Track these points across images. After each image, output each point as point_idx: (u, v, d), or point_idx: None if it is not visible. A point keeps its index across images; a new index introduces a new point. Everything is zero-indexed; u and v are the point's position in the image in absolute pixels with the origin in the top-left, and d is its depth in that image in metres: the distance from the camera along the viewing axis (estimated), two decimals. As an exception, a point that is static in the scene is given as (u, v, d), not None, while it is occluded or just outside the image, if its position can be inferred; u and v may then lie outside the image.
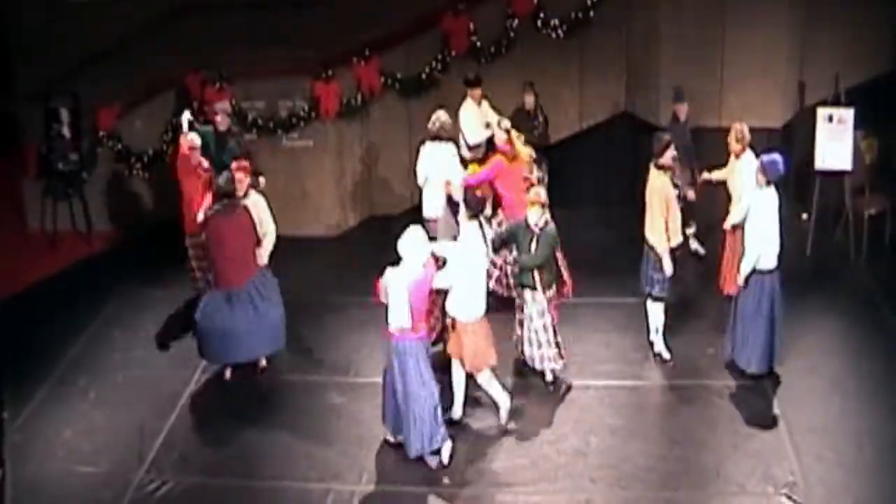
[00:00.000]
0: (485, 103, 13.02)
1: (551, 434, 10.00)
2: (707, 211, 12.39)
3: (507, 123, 11.63)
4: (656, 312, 10.93)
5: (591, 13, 14.21)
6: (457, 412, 10.10)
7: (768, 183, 10.16)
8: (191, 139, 11.53)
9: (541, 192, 10.24)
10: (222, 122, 12.28)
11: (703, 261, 12.59)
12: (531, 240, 10.16)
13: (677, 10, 14.11)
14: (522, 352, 10.57)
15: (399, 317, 9.23)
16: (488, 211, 11.28)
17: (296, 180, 13.84)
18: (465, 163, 12.34)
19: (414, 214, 12.26)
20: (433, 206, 11.95)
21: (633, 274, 10.95)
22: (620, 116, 14.74)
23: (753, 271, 10.25)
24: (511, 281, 11.36)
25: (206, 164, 11.52)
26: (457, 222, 10.78)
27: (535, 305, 10.27)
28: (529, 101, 13.01)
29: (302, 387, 10.84)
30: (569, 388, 10.58)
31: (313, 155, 13.86)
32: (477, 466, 9.62)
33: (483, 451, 9.78)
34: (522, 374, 10.73)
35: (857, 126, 12.50)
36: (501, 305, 11.01)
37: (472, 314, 9.77)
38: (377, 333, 10.33)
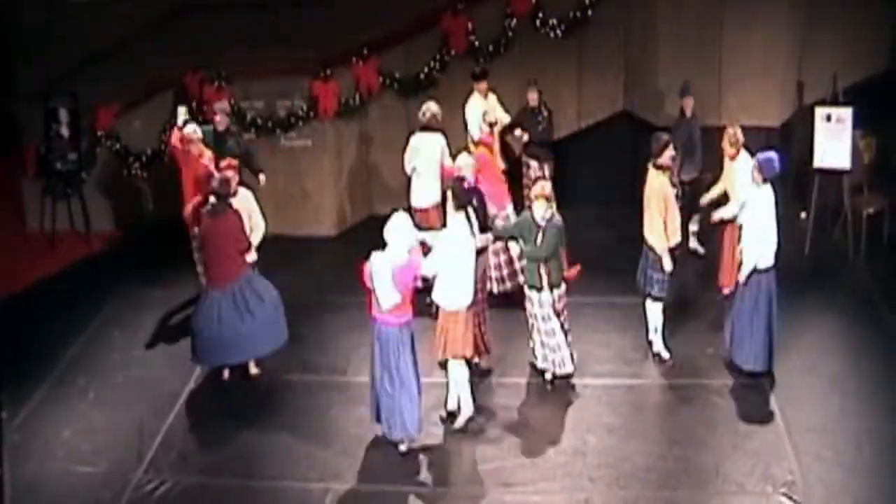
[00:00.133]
0: (492, 97, 13.08)
1: (550, 433, 10.00)
2: (707, 212, 12.39)
3: (491, 117, 11.99)
4: (655, 312, 10.93)
5: (590, 12, 14.21)
6: (451, 403, 10.13)
7: (764, 181, 10.18)
8: (190, 131, 11.56)
9: (546, 186, 10.23)
10: (221, 121, 12.30)
11: (703, 260, 12.61)
12: (537, 234, 10.14)
13: (676, 9, 14.08)
14: (533, 351, 10.57)
15: (384, 300, 9.28)
16: (493, 210, 11.35)
17: (295, 180, 13.85)
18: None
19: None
20: (422, 196, 12.11)
21: (633, 274, 10.94)
22: (620, 116, 14.74)
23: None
24: (505, 273, 11.50)
25: (208, 155, 11.55)
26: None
27: (542, 310, 10.24)
28: (533, 97, 13.07)
29: (302, 387, 10.84)
30: (568, 387, 10.58)
31: (312, 155, 13.88)
32: (476, 466, 9.61)
33: (482, 451, 9.78)
34: (522, 374, 10.73)
35: (855, 125, 12.51)
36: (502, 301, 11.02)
37: (457, 304, 9.79)
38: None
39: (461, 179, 10.40)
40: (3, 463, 7.82)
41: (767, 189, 10.18)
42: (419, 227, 10.41)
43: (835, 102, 12.73)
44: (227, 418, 10.40)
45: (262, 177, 12.35)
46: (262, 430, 10.20)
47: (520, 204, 12.53)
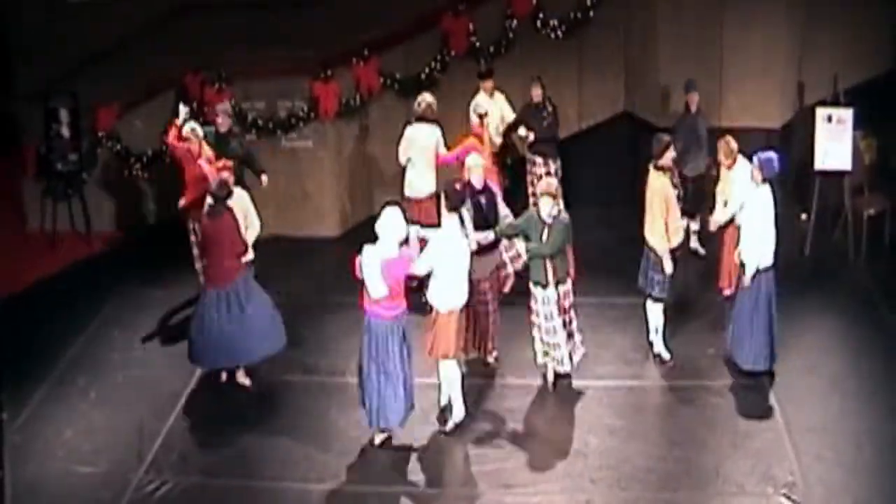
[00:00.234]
0: (499, 95, 13.08)
1: (551, 434, 10.00)
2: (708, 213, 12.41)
3: (481, 109, 12.10)
4: (656, 313, 10.93)
5: (591, 13, 14.22)
6: (444, 402, 10.13)
7: (764, 181, 10.18)
8: (187, 130, 11.57)
9: (552, 183, 10.22)
10: (223, 123, 12.28)
11: (703, 261, 12.60)
12: (542, 231, 10.12)
13: (676, 9, 14.11)
14: (533, 349, 10.56)
15: (374, 292, 9.30)
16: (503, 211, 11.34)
17: (296, 181, 13.84)
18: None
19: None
20: (415, 187, 12.20)
21: (633, 274, 10.94)
22: (620, 116, 14.74)
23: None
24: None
25: (207, 154, 11.56)
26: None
27: (545, 307, 10.23)
28: (537, 94, 13.02)
29: (301, 387, 10.84)
30: (568, 388, 10.58)
31: (313, 155, 13.86)
32: (477, 467, 9.61)
33: (482, 452, 9.78)
34: (523, 375, 10.73)
35: (856, 126, 12.52)
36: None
37: (450, 304, 9.79)
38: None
39: (459, 181, 10.38)
40: (3, 464, 7.82)
41: (766, 189, 10.19)
42: (412, 219, 10.41)
43: (835, 103, 12.73)
44: (227, 419, 10.39)
45: (264, 178, 12.34)
46: (263, 431, 10.19)
47: (525, 201, 12.60)
